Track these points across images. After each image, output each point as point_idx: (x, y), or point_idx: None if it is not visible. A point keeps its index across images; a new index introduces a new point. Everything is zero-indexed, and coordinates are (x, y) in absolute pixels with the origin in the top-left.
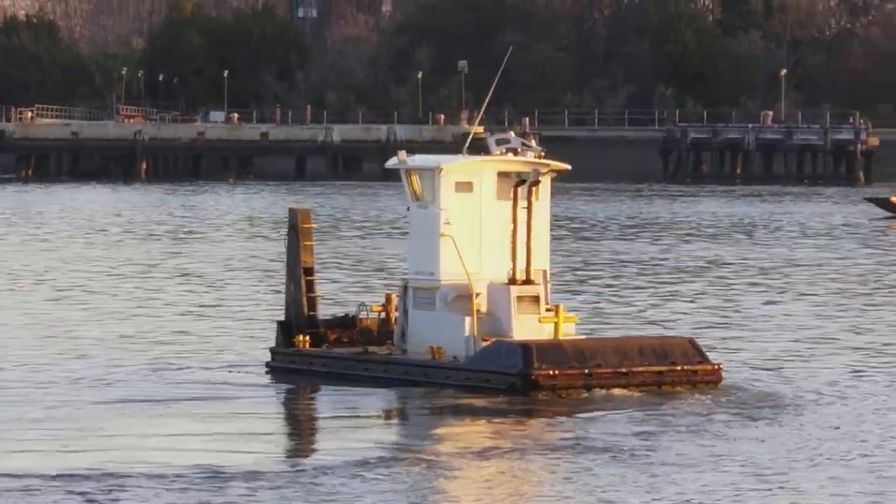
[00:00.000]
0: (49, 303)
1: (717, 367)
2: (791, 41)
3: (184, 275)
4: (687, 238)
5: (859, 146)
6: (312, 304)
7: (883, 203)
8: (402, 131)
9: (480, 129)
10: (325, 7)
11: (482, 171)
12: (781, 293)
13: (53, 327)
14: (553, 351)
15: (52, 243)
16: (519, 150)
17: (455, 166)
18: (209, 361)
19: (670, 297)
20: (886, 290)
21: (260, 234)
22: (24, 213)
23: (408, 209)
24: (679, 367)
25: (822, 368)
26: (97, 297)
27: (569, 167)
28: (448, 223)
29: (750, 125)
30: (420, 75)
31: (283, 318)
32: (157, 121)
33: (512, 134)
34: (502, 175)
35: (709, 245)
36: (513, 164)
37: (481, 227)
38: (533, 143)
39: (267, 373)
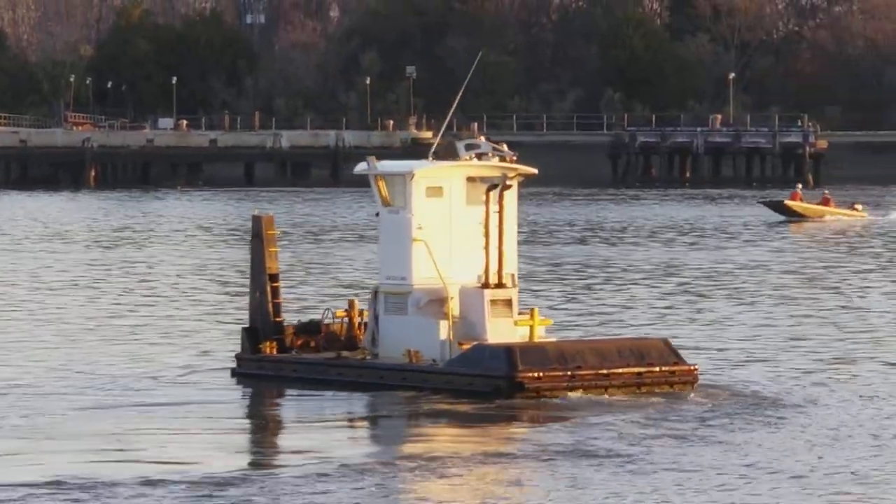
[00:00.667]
0: (12, 311)
1: (692, 367)
2: (739, 45)
3: (140, 282)
4: (635, 241)
5: (808, 149)
6: (278, 309)
7: (777, 206)
8: (350, 137)
9: (429, 134)
10: (273, 13)
11: (452, 176)
12: (735, 294)
13: (17, 336)
14: (535, 353)
15: (12, 250)
16: (489, 154)
17: (426, 171)
18: (171, 369)
19: (632, 300)
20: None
21: (213, 240)
22: None
23: (377, 214)
24: (657, 369)
25: (792, 367)
26: (59, 305)
27: (535, 171)
28: (420, 228)
29: (698, 129)
30: (368, 81)
31: (247, 324)
32: (106, 128)
33: (482, 139)
34: (471, 180)
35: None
36: (482, 168)
37: (451, 232)
38: (505, 147)
39: (234, 379)
